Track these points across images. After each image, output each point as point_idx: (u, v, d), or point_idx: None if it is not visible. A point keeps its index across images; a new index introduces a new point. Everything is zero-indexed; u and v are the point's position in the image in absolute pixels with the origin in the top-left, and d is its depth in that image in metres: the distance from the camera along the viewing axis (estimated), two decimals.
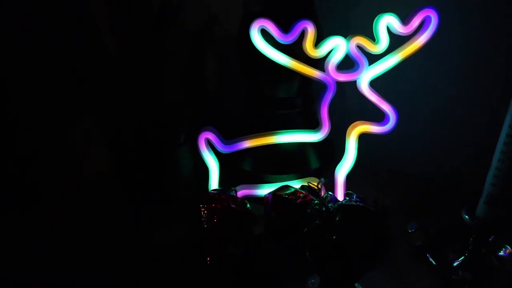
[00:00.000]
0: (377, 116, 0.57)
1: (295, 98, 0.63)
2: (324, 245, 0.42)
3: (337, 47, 0.54)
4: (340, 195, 0.61)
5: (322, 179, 0.59)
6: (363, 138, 0.59)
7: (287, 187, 0.56)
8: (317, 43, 0.54)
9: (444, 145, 0.70)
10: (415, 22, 0.52)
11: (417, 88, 0.70)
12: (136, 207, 0.64)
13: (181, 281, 0.51)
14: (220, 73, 0.79)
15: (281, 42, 0.53)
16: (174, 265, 0.53)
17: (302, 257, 0.44)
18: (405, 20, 0.52)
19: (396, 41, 0.54)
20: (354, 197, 0.44)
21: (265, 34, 0.53)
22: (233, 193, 0.56)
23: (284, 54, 0.55)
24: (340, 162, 0.60)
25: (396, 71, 0.55)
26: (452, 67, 0.66)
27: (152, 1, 0.60)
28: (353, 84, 0.57)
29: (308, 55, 0.54)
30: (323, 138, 0.60)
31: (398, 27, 0.52)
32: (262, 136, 0.60)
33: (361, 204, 0.43)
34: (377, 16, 0.52)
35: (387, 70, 0.55)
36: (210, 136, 0.58)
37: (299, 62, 0.56)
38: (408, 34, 0.53)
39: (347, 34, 0.54)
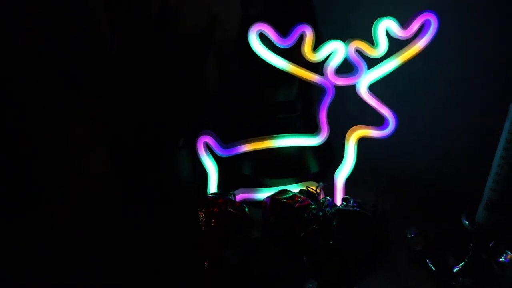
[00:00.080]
0: (377, 120, 0.57)
1: (295, 102, 0.63)
2: (321, 250, 0.41)
3: (335, 51, 0.54)
4: (338, 200, 0.60)
5: (321, 183, 0.59)
6: (363, 142, 0.59)
7: (286, 191, 0.56)
8: (316, 47, 0.53)
9: (443, 150, 0.70)
10: (415, 26, 0.51)
11: (416, 92, 0.69)
12: (136, 207, 0.65)
13: (181, 281, 0.51)
14: (220, 73, 0.80)
15: (279, 46, 0.53)
16: (174, 265, 0.53)
17: (300, 262, 0.44)
18: (404, 24, 0.52)
19: (396, 45, 0.53)
20: (351, 202, 0.44)
21: (263, 38, 0.53)
22: (231, 197, 0.56)
23: (282, 58, 0.55)
24: (340, 166, 0.60)
25: (395, 75, 0.55)
26: (452, 72, 0.66)
27: (152, 1, 0.60)
28: (352, 88, 0.56)
29: (307, 59, 0.54)
30: (322, 142, 0.60)
31: (397, 31, 0.52)
32: (261, 140, 0.59)
33: (358, 210, 0.42)
34: (376, 20, 0.52)
35: (386, 74, 0.55)
36: (209, 140, 0.58)
37: (298, 66, 0.55)
38: (407, 38, 0.52)
39: (346, 38, 0.54)
